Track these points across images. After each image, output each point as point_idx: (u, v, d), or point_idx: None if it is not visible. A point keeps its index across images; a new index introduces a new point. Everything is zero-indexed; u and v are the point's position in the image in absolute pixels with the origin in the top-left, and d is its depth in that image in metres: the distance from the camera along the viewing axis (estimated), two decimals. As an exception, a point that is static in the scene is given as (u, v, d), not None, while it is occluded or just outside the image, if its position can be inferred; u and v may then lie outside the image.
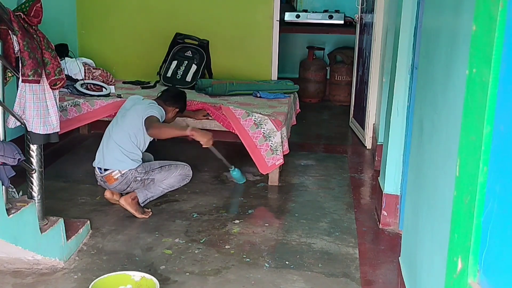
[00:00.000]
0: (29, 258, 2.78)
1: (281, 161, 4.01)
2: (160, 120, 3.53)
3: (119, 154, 3.48)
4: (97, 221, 3.40)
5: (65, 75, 3.30)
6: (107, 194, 3.61)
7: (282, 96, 4.76)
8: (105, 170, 3.51)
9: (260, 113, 4.09)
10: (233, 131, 4.11)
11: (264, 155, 4.00)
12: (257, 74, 5.29)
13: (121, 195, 3.60)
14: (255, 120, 4.03)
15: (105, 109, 4.30)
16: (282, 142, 4.01)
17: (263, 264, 2.97)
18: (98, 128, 5.11)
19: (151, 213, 3.54)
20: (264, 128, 4.01)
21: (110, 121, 4.33)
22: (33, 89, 2.65)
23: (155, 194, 3.60)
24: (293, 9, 7.37)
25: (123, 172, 3.48)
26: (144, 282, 2.54)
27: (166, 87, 4.15)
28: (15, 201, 2.71)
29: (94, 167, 3.60)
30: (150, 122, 3.46)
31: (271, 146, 3.99)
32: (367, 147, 5.12)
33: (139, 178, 3.51)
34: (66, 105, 4.24)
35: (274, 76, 5.34)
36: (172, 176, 3.58)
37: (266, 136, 4.00)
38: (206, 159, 4.51)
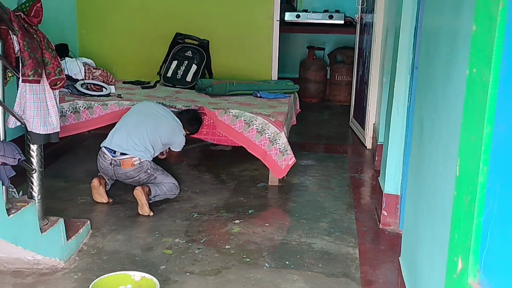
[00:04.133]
0: (29, 258, 2.78)
1: (294, 159, 3.99)
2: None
3: (144, 147, 3.63)
4: (97, 221, 3.40)
5: (65, 75, 3.29)
6: (95, 182, 3.64)
7: (282, 96, 4.76)
8: (122, 154, 3.61)
9: (257, 113, 4.06)
10: (228, 143, 4.16)
11: (276, 160, 3.98)
12: (257, 74, 5.29)
13: (105, 187, 3.71)
14: (257, 128, 4.00)
15: (104, 119, 4.28)
16: (288, 141, 3.99)
17: (263, 264, 2.97)
18: (98, 129, 5.10)
19: (152, 213, 3.55)
20: (268, 133, 3.98)
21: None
22: (33, 89, 2.65)
23: (161, 194, 3.67)
24: (293, 9, 7.37)
25: (142, 160, 3.62)
26: (144, 282, 2.54)
27: (186, 109, 4.15)
28: (15, 201, 2.71)
29: (103, 150, 3.66)
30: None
31: (280, 148, 3.97)
32: (367, 147, 5.12)
33: (149, 171, 3.66)
34: (65, 111, 4.21)
35: (274, 76, 5.34)
36: (168, 182, 3.72)
37: (272, 140, 3.97)
38: (206, 159, 4.51)
